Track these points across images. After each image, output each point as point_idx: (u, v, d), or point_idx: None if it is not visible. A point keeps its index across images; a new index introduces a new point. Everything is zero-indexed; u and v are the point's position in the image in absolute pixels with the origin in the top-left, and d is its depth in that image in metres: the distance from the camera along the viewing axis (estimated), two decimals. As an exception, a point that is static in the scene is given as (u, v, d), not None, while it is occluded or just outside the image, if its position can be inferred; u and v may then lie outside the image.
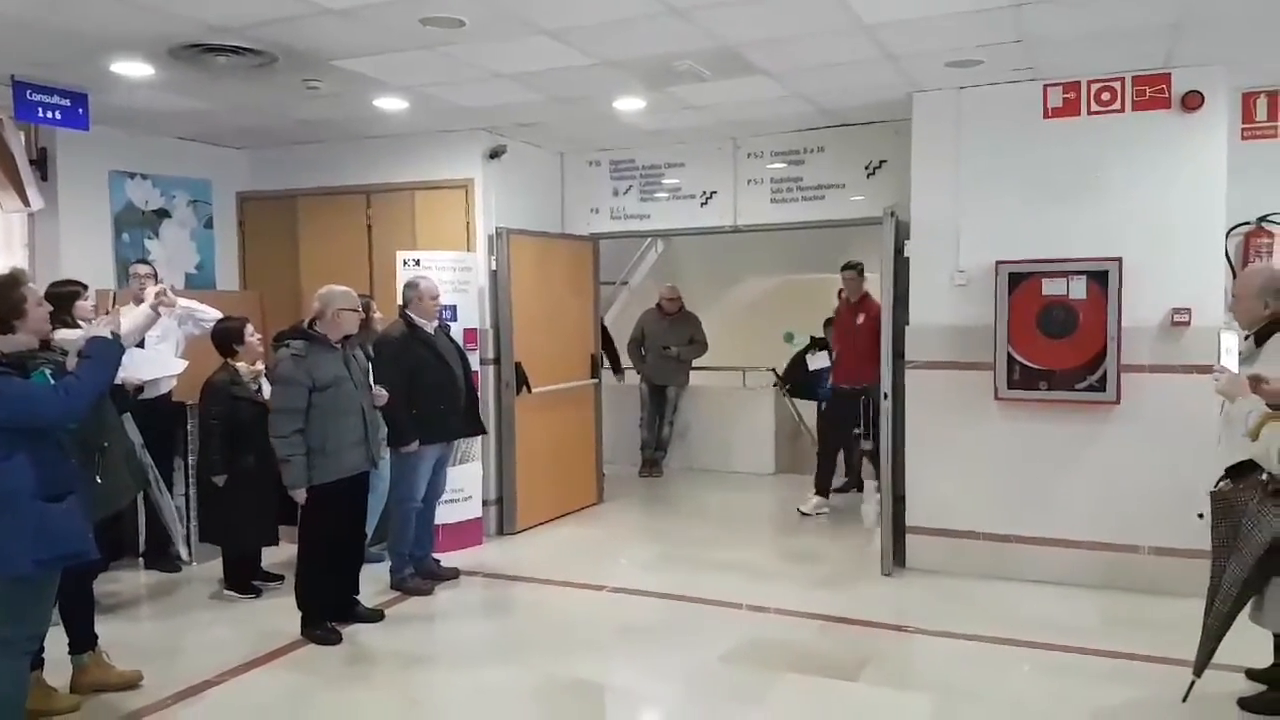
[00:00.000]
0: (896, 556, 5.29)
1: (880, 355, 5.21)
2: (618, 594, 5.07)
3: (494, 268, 6.26)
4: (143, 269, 5.48)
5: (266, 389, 4.93)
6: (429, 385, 5.00)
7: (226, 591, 5.06)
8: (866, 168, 6.11)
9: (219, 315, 5.14)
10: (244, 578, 5.09)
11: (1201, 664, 3.33)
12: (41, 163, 5.74)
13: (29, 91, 4.83)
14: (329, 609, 4.49)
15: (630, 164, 6.88)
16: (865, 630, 4.47)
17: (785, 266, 7.40)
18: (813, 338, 7.64)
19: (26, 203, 5.66)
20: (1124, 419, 4.85)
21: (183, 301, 5.13)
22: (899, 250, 5.27)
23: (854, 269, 6.57)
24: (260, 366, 5.02)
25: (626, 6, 3.81)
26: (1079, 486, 4.96)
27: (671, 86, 5.07)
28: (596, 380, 7.17)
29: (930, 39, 4.31)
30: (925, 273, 5.26)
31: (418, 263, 5.84)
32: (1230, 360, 3.50)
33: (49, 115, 4.96)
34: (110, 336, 3.21)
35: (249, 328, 5.01)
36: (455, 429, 5.24)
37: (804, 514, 6.59)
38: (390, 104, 5.42)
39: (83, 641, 3.85)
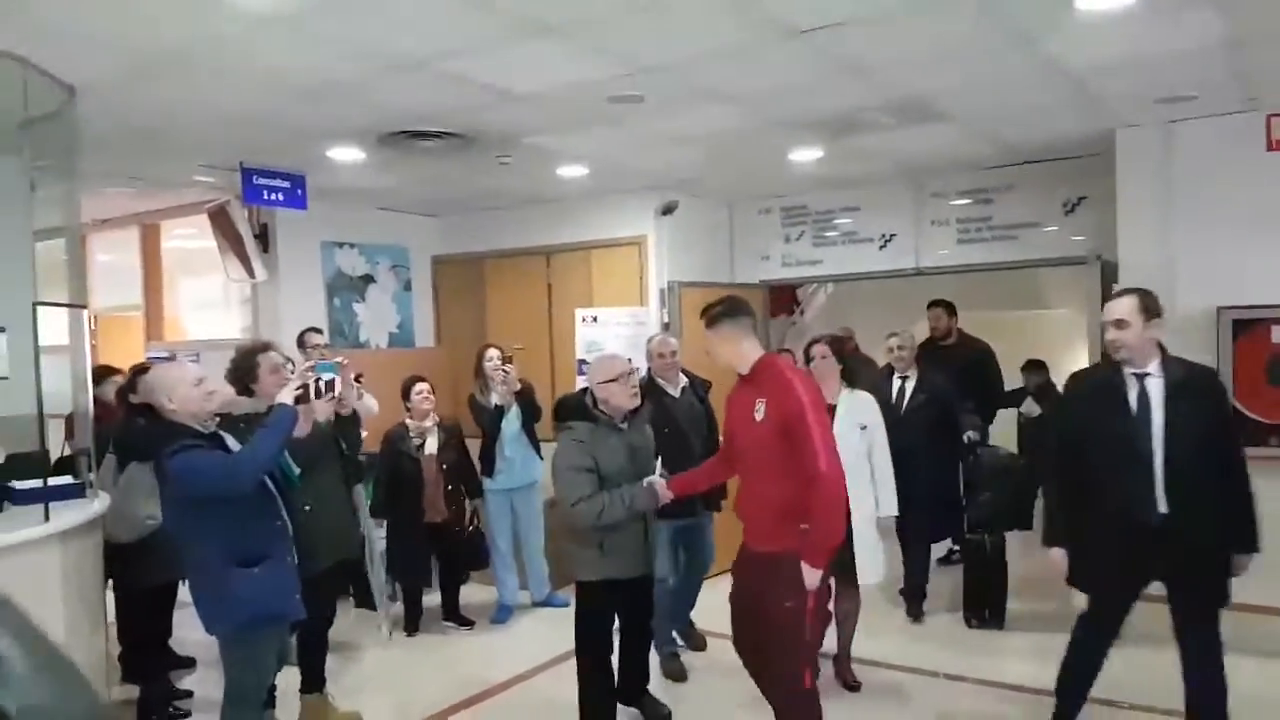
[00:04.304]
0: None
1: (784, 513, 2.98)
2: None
3: (666, 320, 6.34)
4: (318, 338, 5.59)
5: (430, 445, 5.18)
6: None
7: (447, 622, 5.42)
8: (1064, 205, 5.74)
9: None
10: (451, 614, 5.46)
11: None
12: (263, 236, 6.30)
13: (255, 177, 5.33)
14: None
15: (802, 209, 6.79)
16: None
17: (972, 302, 6.92)
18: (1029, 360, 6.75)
19: (252, 274, 6.27)
20: (1381, 481, 4.28)
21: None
22: (1106, 295, 4.92)
23: (720, 313, 3.20)
24: (429, 423, 5.22)
25: (802, 71, 3.78)
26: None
27: (851, 137, 4.98)
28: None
29: (1137, 80, 4.03)
30: (1134, 319, 4.86)
31: (595, 319, 6.01)
32: None
33: (272, 197, 5.46)
34: (292, 404, 3.18)
35: (416, 386, 5.19)
36: (676, 506, 3.97)
37: None
38: (571, 171, 5.63)
39: (312, 683, 4.13)
